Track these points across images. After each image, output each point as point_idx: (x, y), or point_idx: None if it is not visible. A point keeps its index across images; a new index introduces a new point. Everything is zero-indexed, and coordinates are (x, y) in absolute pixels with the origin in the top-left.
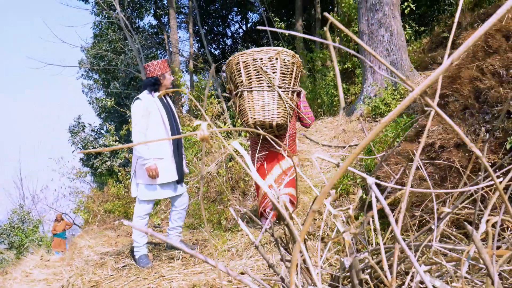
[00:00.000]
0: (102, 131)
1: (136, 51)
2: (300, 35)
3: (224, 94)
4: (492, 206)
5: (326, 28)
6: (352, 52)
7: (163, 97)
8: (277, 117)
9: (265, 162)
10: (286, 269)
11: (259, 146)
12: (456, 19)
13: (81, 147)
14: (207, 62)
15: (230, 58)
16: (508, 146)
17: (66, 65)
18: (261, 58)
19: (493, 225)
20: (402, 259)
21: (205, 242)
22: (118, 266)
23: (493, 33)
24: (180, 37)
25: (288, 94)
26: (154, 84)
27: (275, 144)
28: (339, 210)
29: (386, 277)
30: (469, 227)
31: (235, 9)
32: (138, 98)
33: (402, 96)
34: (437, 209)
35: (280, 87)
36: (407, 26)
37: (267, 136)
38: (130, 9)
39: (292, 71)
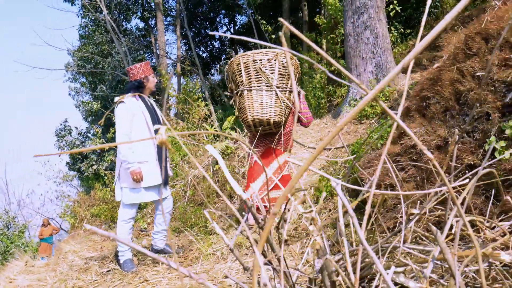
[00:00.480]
0: (89, 135)
1: (123, 54)
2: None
3: (226, 93)
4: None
5: (281, 33)
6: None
7: (147, 100)
8: (274, 115)
9: (261, 157)
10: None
11: (254, 143)
12: (420, 28)
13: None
14: (195, 64)
15: (232, 59)
16: (486, 148)
17: (52, 68)
18: (261, 60)
19: (474, 226)
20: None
21: (190, 246)
22: (102, 271)
23: (473, 35)
24: (167, 39)
25: (285, 93)
26: (138, 87)
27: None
28: (303, 212)
29: (349, 279)
30: (433, 228)
31: (223, 11)
32: (122, 101)
33: (387, 98)
34: (406, 211)
35: (278, 87)
36: (393, 28)
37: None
38: (117, 11)
39: (287, 71)
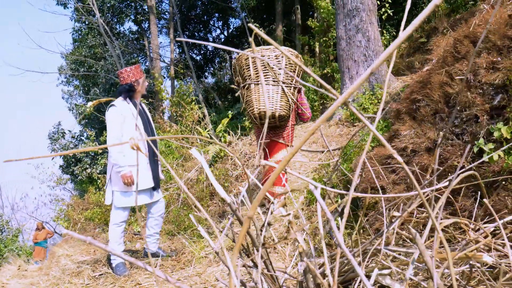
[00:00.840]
0: (83, 138)
1: (116, 57)
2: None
3: (232, 86)
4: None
5: (251, 39)
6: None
7: (138, 103)
8: (280, 109)
9: (267, 149)
10: (256, 276)
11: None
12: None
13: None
14: (188, 67)
15: (240, 54)
16: (475, 150)
17: (45, 71)
18: (269, 55)
19: (460, 228)
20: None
21: (183, 249)
22: (94, 275)
23: (461, 38)
24: (161, 42)
25: (290, 89)
26: (129, 91)
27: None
28: (280, 216)
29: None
30: (412, 230)
31: (217, 14)
32: (113, 104)
33: (379, 101)
34: (388, 214)
35: (283, 83)
36: (385, 31)
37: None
38: (110, 14)
39: (295, 70)
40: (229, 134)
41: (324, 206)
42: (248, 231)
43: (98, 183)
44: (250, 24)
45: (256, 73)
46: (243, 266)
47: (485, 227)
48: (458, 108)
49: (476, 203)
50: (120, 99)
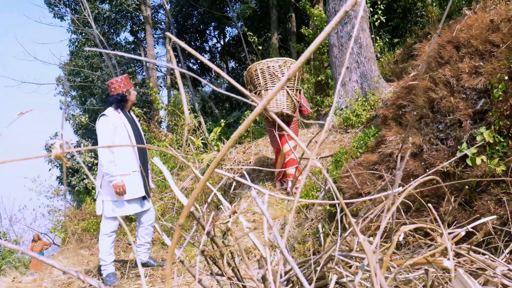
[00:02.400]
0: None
1: (111, 67)
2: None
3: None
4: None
5: (169, 47)
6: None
7: (128, 113)
8: (286, 108)
9: (279, 141)
10: (223, 284)
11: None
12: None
13: (58, 165)
14: (184, 77)
15: (250, 66)
16: (458, 155)
17: (41, 82)
18: (273, 66)
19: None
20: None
21: (175, 259)
22: (84, 286)
23: (444, 44)
24: (157, 52)
25: (292, 91)
26: (121, 101)
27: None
28: (220, 223)
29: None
30: (361, 236)
31: (213, 24)
32: (103, 114)
33: (372, 107)
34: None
35: (287, 87)
36: (378, 38)
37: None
38: (106, 25)
39: (296, 74)
40: (222, 143)
41: (265, 211)
42: (213, 239)
43: (92, 193)
44: (167, 33)
45: (265, 81)
46: (210, 274)
47: (453, 232)
48: (441, 113)
49: (436, 209)
50: (110, 109)
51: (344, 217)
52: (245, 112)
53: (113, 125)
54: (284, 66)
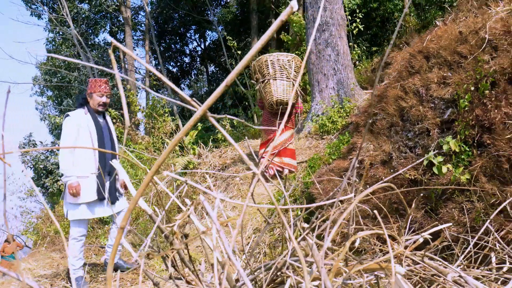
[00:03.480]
0: (54, 149)
1: (89, 68)
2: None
3: (252, 81)
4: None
5: (110, 51)
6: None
7: (97, 115)
8: (291, 98)
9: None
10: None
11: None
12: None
13: (32, 166)
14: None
15: (260, 57)
16: (425, 163)
17: (17, 81)
18: (283, 59)
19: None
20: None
21: (146, 261)
22: None
23: (415, 54)
24: (137, 54)
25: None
26: (82, 102)
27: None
28: (166, 226)
29: None
30: (309, 241)
31: (194, 27)
32: (67, 115)
33: (347, 114)
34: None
35: (294, 79)
36: (356, 46)
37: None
38: (84, 25)
39: (299, 70)
40: (199, 146)
41: (214, 216)
42: (172, 243)
43: None
44: (112, 39)
45: (274, 72)
46: (170, 278)
47: (409, 239)
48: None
49: (398, 216)
50: (79, 110)
51: (298, 222)
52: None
53: (76, 126)
54: (293, 61)
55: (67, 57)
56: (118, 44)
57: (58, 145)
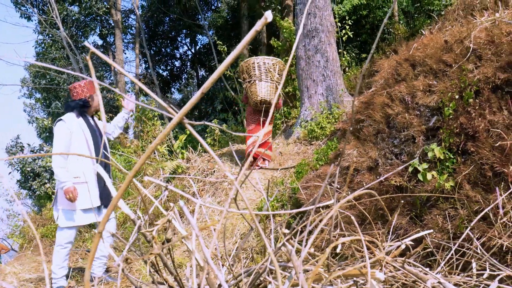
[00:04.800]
0: (42, 152)
1: (78, 70)
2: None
3: (240, 79)
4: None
5: (87, 57)
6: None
7: (89, 118)
8: (273, 98)
9: (255, 125)
10: None
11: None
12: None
13: (19, 169)
14: (153, 83)
15: (248, 58)
16: (410, 170)
17: (4, 83)
18: (268, 62)
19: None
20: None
21: (131, 267)
22: None
23: (401, 62)
24: (127, 57)
25: (278, 85)
26: (83, 107)
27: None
28: (145, 231)
29: None
30: (289, 247)
31: (184, 31)
32: (60, 119)
33: (336, 120)
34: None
35: (277, 82)
36: (345, 52)
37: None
38: (74, 28)
39: (282, 73)
40: (188, 151)
41: (193, 220)
42: (153, 248)
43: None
44: (86, 42)
45: (260, 73)
46: (152, 283)
47: (391, 245)
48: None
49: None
50: (70, 114)
51: (279, 228)
52: (213, 121)
53: (69, 131)
54: (277, 64)
55: (54, 63)
56: (95, 50)
57: (50, 150)
